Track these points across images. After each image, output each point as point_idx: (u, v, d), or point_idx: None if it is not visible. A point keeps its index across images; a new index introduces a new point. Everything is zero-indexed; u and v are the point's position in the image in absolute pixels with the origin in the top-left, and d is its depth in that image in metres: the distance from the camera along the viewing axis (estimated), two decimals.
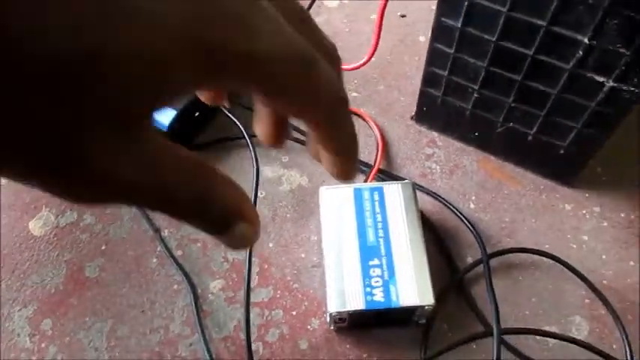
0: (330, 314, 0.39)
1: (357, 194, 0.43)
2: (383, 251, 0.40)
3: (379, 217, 0.42)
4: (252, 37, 0.15)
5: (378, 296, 0.38)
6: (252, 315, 0.44)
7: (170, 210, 0.16)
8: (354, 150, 0.21)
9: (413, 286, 0.39)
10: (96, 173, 0.14)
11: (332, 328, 0.42)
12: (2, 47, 0.12)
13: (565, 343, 0.41)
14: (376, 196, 0.43)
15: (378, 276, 0.39)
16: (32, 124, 0.13)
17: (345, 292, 0.39)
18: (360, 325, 0.41)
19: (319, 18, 0.62)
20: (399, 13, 0.62)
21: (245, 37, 0.15)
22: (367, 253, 0.40)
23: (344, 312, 0.38)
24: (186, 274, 0.45)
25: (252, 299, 0.45)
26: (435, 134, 0.53)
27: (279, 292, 0.45)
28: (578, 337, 0.43)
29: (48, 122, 0.13)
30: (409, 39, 0.59)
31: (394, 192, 0.43)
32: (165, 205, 0.16)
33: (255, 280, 0.46)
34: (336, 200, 0.43)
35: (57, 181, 0.14)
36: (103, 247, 0.47)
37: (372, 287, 0.39)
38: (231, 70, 0.15)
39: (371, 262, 0.40)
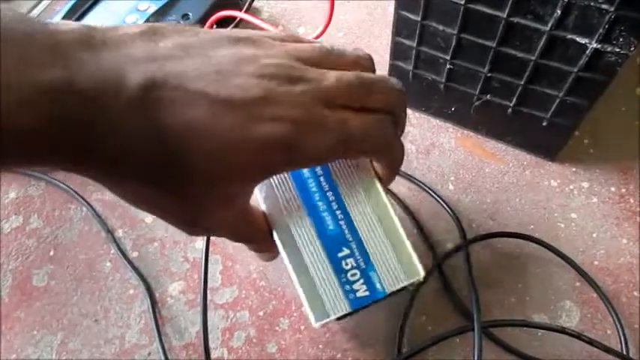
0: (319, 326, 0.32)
1: (296, 176, 0.33)
2: (349, 236, 0.32)
3: (331, 196, 0.32)
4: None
5: (361, 291, 0.32)
6: (215, 318, 0.40)
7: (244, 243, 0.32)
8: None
9: (395, 266, 0.32)
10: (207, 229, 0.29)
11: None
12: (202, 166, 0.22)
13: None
14: (319, 171, 0.33)
15: (353, 267, 0.32)
16: (179, 207, 0.24)
17: (323, 298, 0.31)
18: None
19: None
20: None
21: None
22: (332, 244, 0.32)
23: (330, 321, 0.32)
24: (142, 277, 0.42)
25: (216, 300, 0.41)
26: (410, 111, 0.49)
27: (244, 291, 0.42)
28: (569, 324, 0.39)
29: (189, 205, 0.24)
30: (378, 11, 0.55)
31: (339, 162, 0.33)
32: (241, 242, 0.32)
33: (218, 280, 0.42)
34: (276, 191, 0.33)
35: (183, 229, 0.26)
36: (52, 253, 0.43)
37: (351, 282, 0.32)
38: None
39: (340, 254, 0.32)
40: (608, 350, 0.36)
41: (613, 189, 0.45)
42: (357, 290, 0.31)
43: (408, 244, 0.32)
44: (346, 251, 0.32)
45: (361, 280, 0.32)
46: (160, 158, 0.21)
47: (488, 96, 0.43)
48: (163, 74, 0.20)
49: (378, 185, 0.32)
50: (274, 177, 0.32)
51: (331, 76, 0.24)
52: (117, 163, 0.20)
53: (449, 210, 0.43)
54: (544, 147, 0.45)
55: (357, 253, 0.32)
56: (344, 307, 0.31)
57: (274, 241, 0.31)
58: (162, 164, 0.21)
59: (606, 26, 0.33)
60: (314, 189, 0.32)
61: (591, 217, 0.43)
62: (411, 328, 0.40)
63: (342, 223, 0.32)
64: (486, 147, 0.47)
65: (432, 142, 0.48)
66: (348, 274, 0.32)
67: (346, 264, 0.32)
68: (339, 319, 0.32)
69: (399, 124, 0.29)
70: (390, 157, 0.30)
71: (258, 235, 0.30)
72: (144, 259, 0.43)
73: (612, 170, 0.45)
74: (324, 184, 0.32)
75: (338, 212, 0.32)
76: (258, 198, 0.32)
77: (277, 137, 0.22)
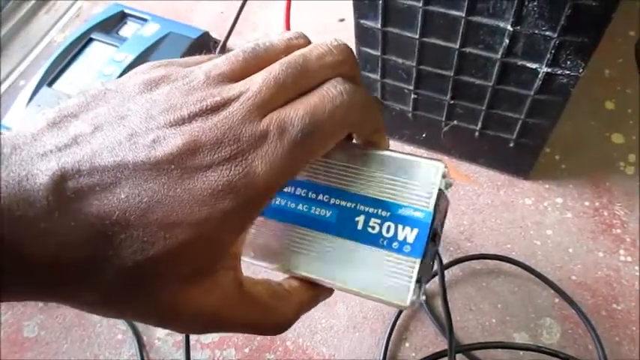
0: (412, 304, 0.24)
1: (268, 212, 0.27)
2: (351, 205, 0.26)
3: (310, 194, 0.26)
4: None
5: (409, 234, 0.24)
6: (202, 358, 0.41)
7: None
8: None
9: (415, 183, 0.24)
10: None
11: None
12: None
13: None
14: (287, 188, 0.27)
15: (379, 224, 0.25)
16: (153, 308, 0.20)
17: (387, 279, 0.24)
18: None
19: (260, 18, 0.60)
20: (337, 18, 0.59)
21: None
22: (342, 227, 0.25)
23: (415, 289, 0.24)
24: (130, 322, 0.43)
25: (202, 340, 0.42)
26: None
27: None
28: (550, 341, 0.40)
29: (161, 302, 0.20)
30: (349, 43, 0.56)
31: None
32: None
33: None
34: (260, 239, 0.27)
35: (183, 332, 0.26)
36: (41, 304, 0.44)
37: (393, 238, 0.25)
38: None
39: (358, 226, 0.25)
40: None
41: (587, 203, 0.45)
42: (406, 237, 0.24)
43: (409, 157, 0.25)
44: (361, 217, 0.25)
45: (400, 227, 0.25)
46: (97, 258, 0.18)
47: (455, 121, 0.44)
48: (74, 162, 0.18)
49: (353, 146, 0.26)
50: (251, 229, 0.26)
51: (255, 82, 0.21)
52: (52, 278, 0.18)
53: None
54: (515, 166, 0.46)
55: (371, 210, 0.25)
56: (412, 263, 0.24)
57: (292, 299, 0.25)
58: (102, 264, 0.18)
59: (553, 51, 0.34)
60: (290, 205, 0.26)
61: (567, 233, 0.44)
62: (394, 356, 0.40)
63: (333, 201, 0.26)
64: (460, 169, 0.48)
65: None
66: (383, 233, 0.25)
67: (372, 228, 0.25)
68: (421, 279, 0.24)
69: (355, 80, 0.23)
70: (365, 118, 0.23)
71: (263, 309, 0.23)
72: None
73: (585, 184, 0.46)
74: (296, 191, 0.26)
75: (323, 197, 0.26)
76: (255, 263, 0.26)
77: (220, 181, 0.19)
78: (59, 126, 0.19)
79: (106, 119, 0.20)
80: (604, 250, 0.43)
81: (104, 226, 0.18)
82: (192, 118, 0.20)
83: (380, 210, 0.25)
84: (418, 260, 0.23)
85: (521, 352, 0.39)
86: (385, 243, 0.24)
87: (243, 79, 0.21)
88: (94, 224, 0.18)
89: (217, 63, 0.22)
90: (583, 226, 0.44)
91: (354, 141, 0.26)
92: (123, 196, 0.18)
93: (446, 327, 0.35)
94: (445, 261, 0.43)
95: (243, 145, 0.19)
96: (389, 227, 0.24)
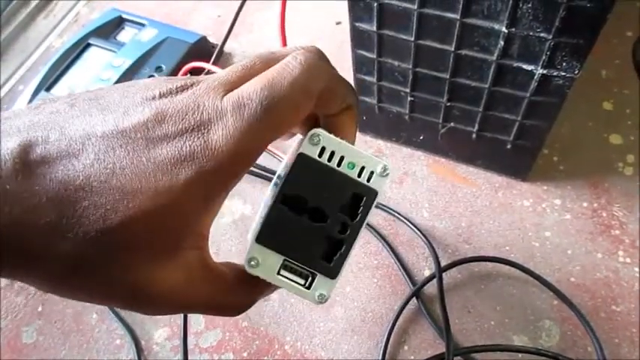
0: (248, 260, 0.23)
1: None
2: (277, 180, 0.25)
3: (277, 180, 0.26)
4: None
5: (270, 198, 0.23)
6: None
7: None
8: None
9: (294, 151, 0.24)
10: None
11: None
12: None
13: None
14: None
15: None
16: (113, 281, 0.20)
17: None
18: (328, 257, 0.24)
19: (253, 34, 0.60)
20: (334, 21, 0.59)
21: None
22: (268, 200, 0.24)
23: (254, 246, 0.23)
24: (128, 327, 0.43)
25: (201, 344, 0.42)
26: (381, 142, 0.50)
27: (227, 333, 0.42)
28: (549, 344, 0.40)
29: (121, 274, 0.20)
30: (346, 45, 0.57)
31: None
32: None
33: (201, 324, 0.43)
34: None
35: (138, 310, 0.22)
36: (40, 309, 0.44)
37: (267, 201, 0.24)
38: None
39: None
40: None
41: (585, 204, 0.45)
42: (267, 200, 0.24)
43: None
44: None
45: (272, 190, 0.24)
46: (60, 225, 0.18)
47: (451, 123, 0.44)
48: (44, 132, 0.19)
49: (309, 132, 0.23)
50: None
51: (225, 69, 0.22)
52: (14, 245, 0.18)
53: (423, 238, 0.44)
54: (513, 168, 0.46)
55: (276, 181, 0.25)
56: (258, 221, 0.23)
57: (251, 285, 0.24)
58: (65, 230, 0.18)
59: (548, 53, 0.34)
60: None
61: (565, 234, 0.44)
62: (393, 359, 0.40)
63: (275, 180, 0.25)
64: (458, 172, 0.48)
65: (404, 171, 0.49)
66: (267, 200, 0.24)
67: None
68: (303, 268, 0.23)
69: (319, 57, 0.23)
70: (324, 95, 0.22)
71: (227, 290, 0.23)
72: None
73: (583, 185, 0.46)
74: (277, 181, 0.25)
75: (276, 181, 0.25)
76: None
77: (182, 151, 0.19)
78: (38, 107, 0.20)
79: (83, 99, 0.20)
80: (603, 251, 0.43)
81: (68, 192, 0.18)
82: (162, 96, 0.20)
83: (277, 179, 0.24)
84: (260, 219, 0.23)
85: (520, 355, 0.39)
86: (262, 206, 0.24)
87: None
88: (57, 189, 0.18)
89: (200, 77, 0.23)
90: (582, 228, 0.44)
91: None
92: (88, 162, 0.18)
93: (444, 329, 0.34)
94: (443, 263, 0.43)
95: (205, 117, 0.20)
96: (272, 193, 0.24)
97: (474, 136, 0.44)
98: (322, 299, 0.23)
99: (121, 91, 0.21)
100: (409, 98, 0.43)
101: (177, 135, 0.19)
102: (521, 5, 0.32)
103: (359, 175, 0.23)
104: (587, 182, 0.46)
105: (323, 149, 0.22)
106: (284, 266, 0.23)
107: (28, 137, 0.18)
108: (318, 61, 0.22)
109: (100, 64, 0.53)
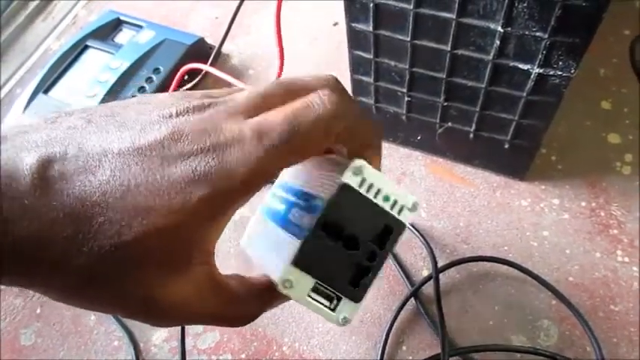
0: (282, 281, 0.23)
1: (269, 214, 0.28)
2: (293, 198, 0.26)
3: (293, 197, 0.27)
4: None
5: (306, 221, 0.24)
6: None
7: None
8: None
9: (330, 175, 0.24)
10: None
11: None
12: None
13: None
14: (290, 197, 0.27)
15: (298, 212, 0.25)
16: (125, 294, 0.20)
17: (279, 256, 0.25)
18: (354, 281, 0.25)
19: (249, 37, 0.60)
20: (332, 22, 0.59)
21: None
22: (278, 216, 0.27)
23: (289, 268, 0.23)
24: (126, 328, 0.43)
25: (199, 346, 0.42)
26: None
27: (225, 335, 0.42)
28: (548, 344, 0.40)
29: (133, 286, 0.20)
30: (343, 46, 0.57)
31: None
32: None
33: (199, 325, 0.43)
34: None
35: (148, 322, 0.22)
36: (38, 311, 0.44)
37: (298, 223, 0.25)
38: None
39: (288, 215, 0.26)
40: None
41: (583, 204, 0.45)
42: (302, 224, 0.24)
43: (342, 160, 0.25)
44: (293, 209, 0.26)
45: (304, 213, 0.25)
46: (76, 239, 0.18)
47: (449, 123, 0.44)
48: (62, 148, 0.19)
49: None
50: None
51: (244, 91, 0.22)
52: (31, 257, 0.18)
53: (421, 238, 0.44)
54: (511, 167, 0.46)
55: (298, 201, 0.26)
56: (294, 245, 0.23)
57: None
58: (80, 245, 0.19)
59: (544, 52, 0.34)
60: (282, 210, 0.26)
61: (563, 234, 0.44)
62: (392, 357, 0.40)
63: (285, 196, 0.27)
64: (456, 171, 0.48)
65: (402, 172, 0.49)
66: (294, 220, 0.25)
67: (293, 216, 0.26)
68: (330, 291, 0.24)
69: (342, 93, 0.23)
70: (350, 131, 0.23)
71: (235, 302, 0.24)
72: None
73: (581, 185, 0.46)
74: (289, 197, 0.27)
75: (284, 194, 0.27)
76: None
77: (197, 170, 0.19)
78: (54, 122, 0.21)
79: (99, 114, 0.21)
80: (601, 250, 0.43)
81: (84, 207, 0.18)
82: (179, 114, 0.21)
83: (302, 200, 0.25)
84: (298, 242, 0.23)
85: (518, 355, 0.39)
86: (292, 228, 0.25)
87: None
88: (75, 205, 0.18)
89: (218, 90, 0.23)
90: (580, 227, 0.44)
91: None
92: (104, 179, 0.19)
93: (439, 329, 0.34)
94: (441, 263, 0.43)
95: (222, 139, 0.20)
96: (300, 214, 0.25)
97: (471, 135, 0.44)
98: (345, 322, 0.24)
99: (138, 108, 0.21)
100: (406, 98, 0.43)
101: (192, 154, 0.20)
102: (516, 4, 0.32)
103: (391, 208, 0.24)
104: (586, 182, 0.46)
105: (363, 180, 0.23)
106: (314, 288, 0.24)
107: (46, 153, 0.19)
108: (342, 102, 0.22)
109: (97, 66, 0.53)
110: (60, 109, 0.22)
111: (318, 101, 0.22)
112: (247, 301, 0.24)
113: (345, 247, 0.24)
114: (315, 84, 0.23)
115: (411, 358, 0.40)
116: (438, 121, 0.44)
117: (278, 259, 0.24)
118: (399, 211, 0.24)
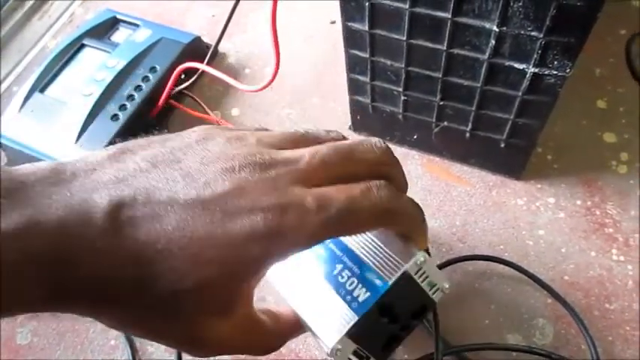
0: (334, 350, 0.28)
1: None
2: (339, 252, 0.31)
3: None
4: None
5: (362, 294, 0.28)
6: None
7: None
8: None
9: (390, 257, 0.29)
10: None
11: None
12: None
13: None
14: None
15: (348, 276, 0.29)
16: (175, 329, 0.22)
17: (330, 319, 0.29)
18: (385, 347, 0.31)
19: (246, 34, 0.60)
20: (329, 20, 0.59)
21: None
22: (326, 266, 0.31)
23: (343, 339, 0.28)
24: None
25: None
26: None
27: None
28: (543, 342, 0.40)
29: (184, 324, 0.22)
30: (340, 45, 0.57)
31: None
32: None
33: None
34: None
35: (193, 354, 0.25)
36: None
37: (351, 291, 0.29)
38: None
39: (335, 272, 0.30)
40: None
41: (579, 202, 0.45)
42: (358, 296, 0.28)
43: (392, 235, 0.29)
44: (339, 266, 0.30)
45: (359, 285, 0.29)
46: (139, 281, 0.20)
47: (445, 122, 0.44)
48: (131, 192, 0.20)
49: None
50: None
51: (305, 154, 0.23)
52: (97, 293, 0.20)
53: None
54: (507, 166, 0.46)
55: (349, 263, 0.30)
56: (350, 317, 0.28)
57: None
58: (143, 287, 0.20)
59: (539, 51, 0.34)
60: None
61: (559, 233, 0.44)
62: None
63: (330, 245, 0.31)
64: (452, 170, 0.48)
65: None
66: (347, 284, 0.29)
67: (342, 277, 0.30)
68: (365, 354, 0.29)
69: (396, 183, 0.26)
70: (398, 222, 0.26)
71: (265, 336, 0.27)
72: None
73: (577, 184, 0.46)
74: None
75: (333, 248, 0.31)
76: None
77: (256, 229, 0.21)
78: (118, 159, 0.22)
79: (163, 159, 0.22)
80: (596, 249, 0.43)
81: (148, 254, 0.20)
82: (241, 169, 0.22)
83: (355, 266, 0.29)
84: (355, 317, 0.27)
85: (514, 354, 0.39)
86: (344, 293, 0.28)
87: None
88: (141, 250, 0.20)
89: (270, 132, 0.25)
90: (575, 226, 0.44)
91: None
92: (169, 229, 0.20)
93: (433, 328, 0.34)
94: (438, 262, 0.43)
95: (284, 202, 0.22)
96: (352, 282, 0.29)
97: (467, 135, 0.44)
98: None
99: (200, 155, 0.23)
100: (402, 97, 0.43)
101: (252, 212, 0.21)
102: (511, 4, 0.32)
103: (430, 290, 0.29)
104: (581, 180, 0.46)
105: (421, 271, 0.28)
106: (354, 352, 0.28)
107: (116, 196, 0.20)
108: (397, 198, 0.25)
109: (94, 65, 0.53)
110: (120, 146, 0.23)
111: (375, 193, 0.24)
112: (276, 335, 0.28)
113: (388, 321, 0.28)
114: (373, 159, 0.25)
115: (406, 357, 0.40)
116: (434, 120, 0.44)
117: (327, 322, 0.28)
118: (434, 292, 0.29)
